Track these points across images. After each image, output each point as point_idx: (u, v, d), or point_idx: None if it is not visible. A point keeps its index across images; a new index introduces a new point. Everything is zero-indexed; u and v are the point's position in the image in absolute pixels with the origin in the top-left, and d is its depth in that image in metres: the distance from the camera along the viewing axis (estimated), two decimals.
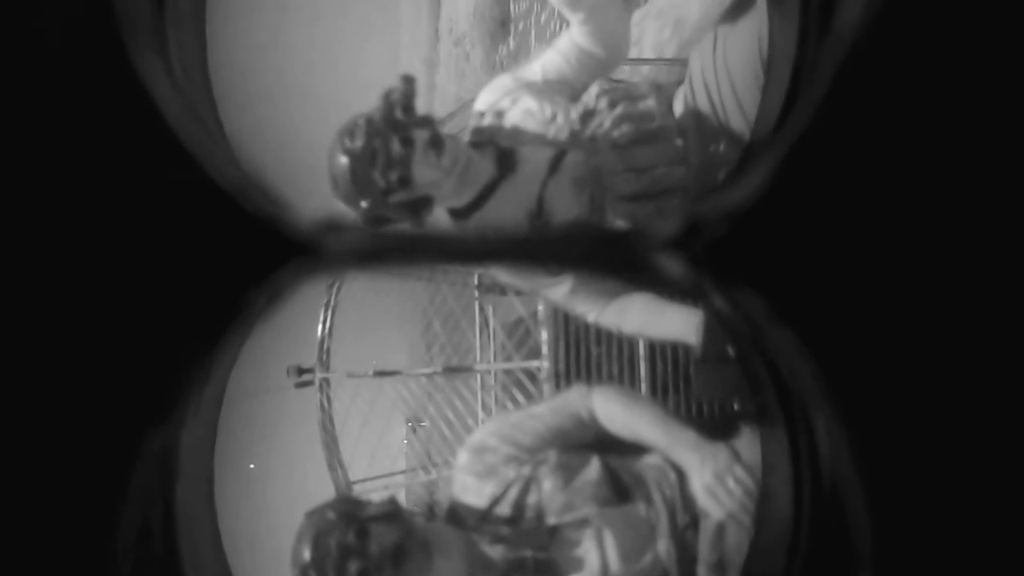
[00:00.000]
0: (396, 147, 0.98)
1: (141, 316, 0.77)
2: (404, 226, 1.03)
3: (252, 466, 1.04)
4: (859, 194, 0.79)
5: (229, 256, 0.80)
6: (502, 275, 1.14)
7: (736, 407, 1.02)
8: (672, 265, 0.87)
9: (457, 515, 1.00)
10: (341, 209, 1.01)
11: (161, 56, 0.81)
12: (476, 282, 1.26)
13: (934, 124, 0.78)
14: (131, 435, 0.76)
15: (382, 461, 1.27)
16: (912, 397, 0.77)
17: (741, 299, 0.85)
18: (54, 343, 0.76)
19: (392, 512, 0.94)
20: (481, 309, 1.27)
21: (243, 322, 0.85)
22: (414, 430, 1.29)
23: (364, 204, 1.00)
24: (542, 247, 1.06)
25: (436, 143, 1.00)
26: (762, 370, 0.90)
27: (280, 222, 0.83)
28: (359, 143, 0.98)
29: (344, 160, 0.98)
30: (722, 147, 1.09)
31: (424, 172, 1.00)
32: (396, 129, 0.98)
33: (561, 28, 1.11)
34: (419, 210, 1.04)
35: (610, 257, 1.02)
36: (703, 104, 1.10)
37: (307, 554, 0.89)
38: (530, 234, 1.06)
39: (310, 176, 1.01)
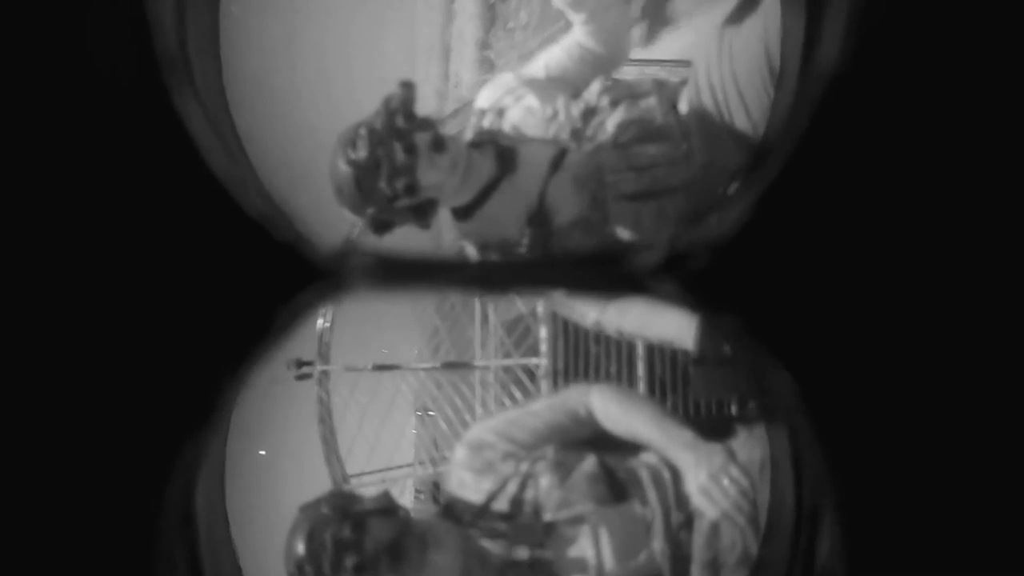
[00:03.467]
0: (400, 155, 0.98)
1: (169, 338, 0.80)
2: (408, 234, 1.04)
3: (263, 452, 1.05)
4: (841, 223, 0.80)
5: (255, 280, 0.82)
6: None
7: (734, 409, 1.03)
8: (664, 289, 0.88)
9: (453, 510, 1.00)
10: (350, 219, 1.01)
11: (192, 88, 0.83)
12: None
13: (914, 152, 0.79)
14: (164, 445, 0.79)
15: (380, 455, 1.27)
16: (895, 420, 0.78)
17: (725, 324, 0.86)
18: (92, 358, 0.78)
19: (387, 507, 0.95)
20: (481, 304, 1.27)
21: (266, 343, 0.87)
22: (423, 419, 1.29)
23: (370, 211, 1.00)
24: (540, 271, 1.07)
25: (438, 144, 1.00)
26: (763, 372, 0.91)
27: (303, 247, 0.85)
28: (362, 153, 0.98)
29: (348, 170, 0.98)
30: (726, 147, 1.09)
31: (429, 176, 1.00)
32: (399, 137, 0.98)
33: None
34: (425, 212, 1.04)
35: (609, 281, 1.03)
36: (708, 103, 1.10)
37: (301, 549, 0.90)
38: (534, 258, 1.07)
39: (328, 202, 1.02)
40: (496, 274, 1.09)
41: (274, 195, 0.94)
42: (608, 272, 1.00)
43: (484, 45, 1.16)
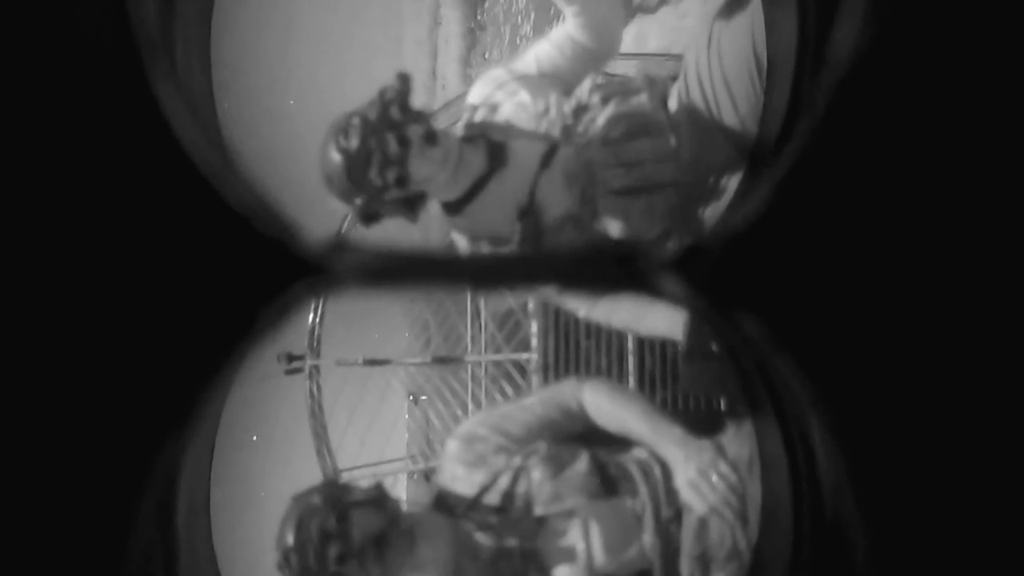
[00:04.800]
0: (393, 147, 0.97)
1: (157, 332, 0.79)
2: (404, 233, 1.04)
3: (255, 438, 1.05)
4: (856, 216, 0.80)
5: (242, 275, 0.81)
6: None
7: (722, 403, 1.04)
8: (673, 287, 0.88)
9: (445, 503, 1.01)
10: (337, 207, 1.01)
11: (175, 82, 0.82)
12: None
13: (931, 146, 0.79)
14: (146, 442, 0.78)
15: (371, 449, 1.28)
16: (909, 418, 0.79)
17: (740, 321, 0.86)
18: (78, 356, 0.78)
19: (377, 498, 0.95)
20: (472, 299, 1.28)
21: (253, 338, 0.87)
22: (414, 411, 1.29)
23: (359, 201, 1.00)
24: (547, 268, 1.07)
25: (431, 138, 1.00)
26: (752, 369, 0.92)
27: (290, 242, 0.84)
28: (354, 143, 0.97)
29: (339, 159, 0.98)
30: (715, 143, 1.10)
31: (420, 169, 1.00)
32: (392, 128, 0.97)
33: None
34: (414, 205, 1.04)
35: (613, 279, 1.03)
36: (697, 99, 1.10)
37: (290, 538, 0.91)
38: (535, 254, 1.07)
39: (316, 196, 1.01)
40: (493, 270, 1.09)
41: (259, 188, 0.93)
42: (613, 268, 1.00)
43: (466, 63, 1.17)
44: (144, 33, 0.77)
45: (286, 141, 1.06)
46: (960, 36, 0.78)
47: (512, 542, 0.97)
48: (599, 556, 0.95)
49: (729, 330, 0.94)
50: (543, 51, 1.11)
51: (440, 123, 1.10)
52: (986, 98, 0.79)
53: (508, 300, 1.23)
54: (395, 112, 0.98)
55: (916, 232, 0.80)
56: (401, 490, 1.24)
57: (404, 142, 0.98)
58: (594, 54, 1.10)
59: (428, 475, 1.21)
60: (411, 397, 1.27)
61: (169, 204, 0.79)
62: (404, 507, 1.02)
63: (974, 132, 0.79)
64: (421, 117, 1.00)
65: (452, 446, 1.04)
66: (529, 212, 1.07)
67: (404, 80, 1.00)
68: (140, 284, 0.79)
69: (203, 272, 0.80)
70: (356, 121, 0.98)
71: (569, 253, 1.07)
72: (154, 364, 0.79)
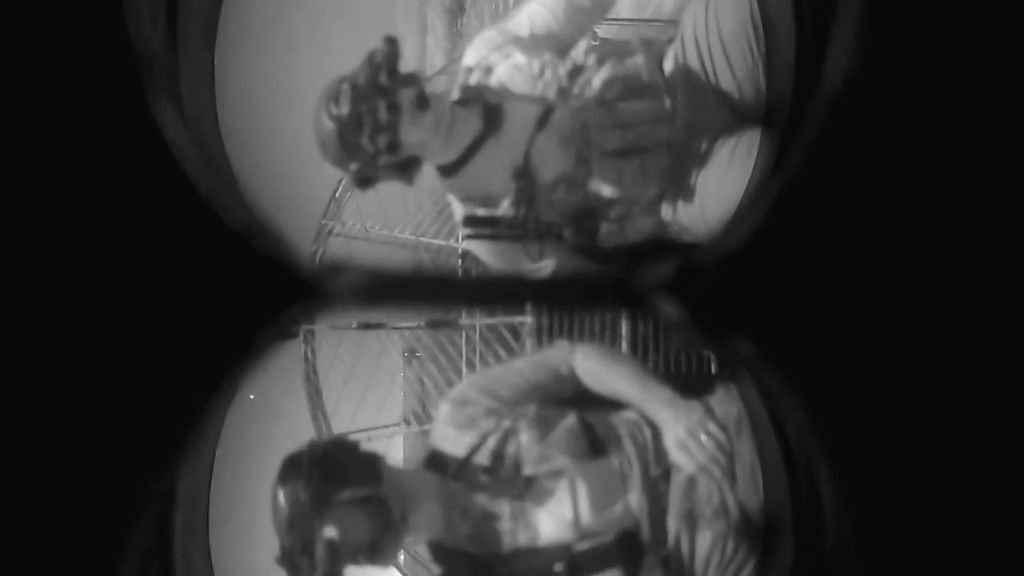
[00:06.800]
0: (383, 113, 0.96)
1: (155, 353, 0.79)
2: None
3: (252, 396, 1.05)
4: (849, 236, 0.80)
5: (239, 297, 0.81)
6: (483, 254, 1.13)
7: (712, 366, 1.04)
8: (668, 308, 0.88)
9: (436, 463, 1.01)
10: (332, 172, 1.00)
11: (174, 100, 0.81)
12: (460, 251, 1.26)
13: (921, 167, 0.79)
14: (143, 463, 0.78)
15: (366, 414, 1.28)
16: (902, 435, 0.79)
17: (733, 343, 0.86)
18: (73, 381, 0.78)
19: (369, 497, 0.92)
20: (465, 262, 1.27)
21: (251, 361, 0.86)
22: (410, 361, 1.30)
23: (353, 167, 1.00)
24: (541, 290, 1.07)
25: (422, 102, 0.98)
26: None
27: (288, 263, 0.84)
28: (344, 109, 0.96)
29: (331, 125, 0.97)
30: (710, 105, 1.09)
31: (412, 135, 0.99)
32: (382, 94, 0.96)
33: None
34: (408, 169, 1.03)
35: (608, 300, 1.03)
36: (693, 62, 1.10)
37: (279, 540, 0.89)
38: (528, 278, 1.06)
39: (314, 216, 1.00)
40: (487, 291, 1.09)
41: (258, 209, 0.93)
42: (609, 290, 1.01)
43: (452, 59, 1.17)
44: (144, 48, 0.77)
45: (285, 162, 1.05)
46: (949, 68, 0.78)
47: (501, 501, 0.97)
48: (585, 514, 0.95)
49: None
50: (535, 12, 1.10)
51: (436, 86, 1.09)
52: (974, 129, 0.79)
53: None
54: (383, 77, 0.96)
55: (910, 251, 0.81)
56: (397, 449, 1.24)
57: (394, 108, 0.97)
58: (587, 10, 1.09)
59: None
60: (405, 354, 1.27)
61: (168, 224, 0.79)
62: (397, 466, 1.02)
63: (961, 159, 0.79)
64: (412, 80, 0.99)
65: (444, 409, 1.04)
66: (524, 173, 1.07)
67: (392, 43, 0.98)
68: (137, 303, 0.79)
69: (200, 292, 0.80)
70: (346, 87, 0.96)
71: (566, 275, 1.07)
72: (151, 385, 0.80)
